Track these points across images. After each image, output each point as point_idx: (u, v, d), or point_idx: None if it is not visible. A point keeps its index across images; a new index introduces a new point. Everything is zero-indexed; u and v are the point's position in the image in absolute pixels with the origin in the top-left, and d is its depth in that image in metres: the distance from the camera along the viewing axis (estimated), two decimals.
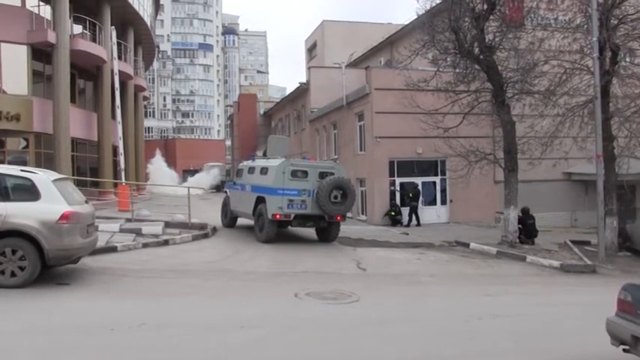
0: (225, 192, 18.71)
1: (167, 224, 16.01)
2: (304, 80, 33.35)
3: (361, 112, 23.99)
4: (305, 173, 14.72)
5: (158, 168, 43.74)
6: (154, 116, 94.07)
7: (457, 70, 16.32)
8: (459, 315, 7.90)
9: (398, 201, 22.62)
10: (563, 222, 23.02)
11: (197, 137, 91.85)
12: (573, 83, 15.09)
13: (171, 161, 51.89)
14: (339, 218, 14.95)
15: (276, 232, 14.69)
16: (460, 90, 16.55)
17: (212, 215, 19.08)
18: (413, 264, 12.86)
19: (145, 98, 39.45)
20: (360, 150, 24.12)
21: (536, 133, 15.97)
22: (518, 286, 10.80)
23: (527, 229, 16.30)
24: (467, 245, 15.87)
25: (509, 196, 15.64)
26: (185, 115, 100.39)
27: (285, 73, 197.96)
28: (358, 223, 21.86)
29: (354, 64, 35.88)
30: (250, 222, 16.34)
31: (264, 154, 18.32)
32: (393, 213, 22.18)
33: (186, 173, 51.21)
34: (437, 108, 17.05)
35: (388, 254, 14.15)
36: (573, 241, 16.01)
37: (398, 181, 22.79)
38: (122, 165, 24.72)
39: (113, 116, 26.43)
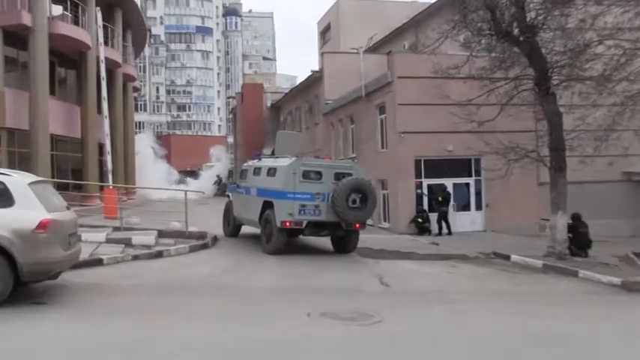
0: (228, 196, 18.88)
1: (161, 233, 16.16)
2: (317, 68, 33.91)
3: (382, 104, 24.11)
4: (319, 174, 14.90)
5: (147, 159, 43.69)
6: (145, 110, 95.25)
7: (493, 55, 16.29)
8: (499, 342, 7.72)
9: (425, 206, 22.72)
10: (622, 230, 22.65)
11: (195, 133, 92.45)
12: (634, 67, 14.79)
13: (165, 161, 52.20)
14: (358, 226, 15.13)
15: (286, 242, 14.88)
16: (497, 77, 16.51)
17: (213, 223, 19.38)
18: (444, 279, 12.90)
19: (136, 89, 39.75)
20: (382, 147, 24.27)
21: (588, 126, 15.77)
22: (570, 306, 10.56)
23: (579, 239, 15.94)
24: (507, 257, 15.90)
25: (556, 200, 15.45)
26: (181, 108, 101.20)
27: (296, 60, 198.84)
28: (380, 232, 21.96)
29: (373, 49, 35.99)
30: (256, 230, 16.61)
31: (272, 153, 18.56)
32: (420, 220, 22.30)
33: (183, 175, 51.64)
34: (470, 98, 17.04)
35: (415, 268, 14.26)
36: (637, 254, 15.49)
37: (425, 182, 22.97)
38: (109, 166, 25.03)
39: (99, 110, 26.62)
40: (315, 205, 14.61)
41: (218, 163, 55.31)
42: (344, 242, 15.64)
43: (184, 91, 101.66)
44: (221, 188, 48.23)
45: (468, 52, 16.65)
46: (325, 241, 16.85)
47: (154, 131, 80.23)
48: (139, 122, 79.92)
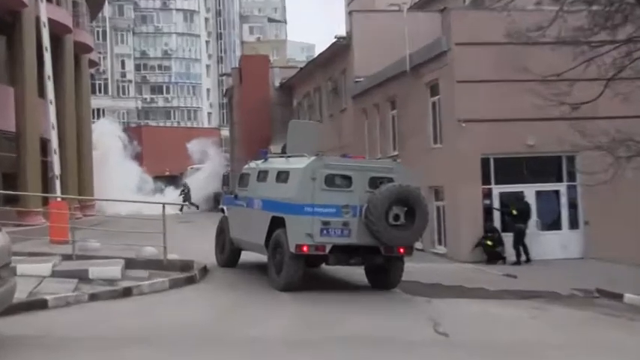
0: (222, 211, 19.03)
1: (129, 263, 16.27)
2: (343, 33, 33.97)
3: (435, 82, 24.20)
4: (347, 180, 14.96)
5: (110, 156, 44.40)
6: (107, 92, 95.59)
7: (594, 8, 16.14)
8: None
9: (497, 223, 22.54)
10: None
11: (176, 124, 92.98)
12: None
13: (136, 162, 53.03)
14: (402, 251, 15.22)
15: (303, 274, 14.97)
16: (600, 41, 16.34)
17: (201, 247, 19.76)
18: (526, 327, 12.76)
19: (93, 64, 40.24)
20: (435, 142, 24.41)
21: None
22: None
23: None
24: (618, 297, 15.69)
25: None
26: (156, 89, 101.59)
27: (314, 22, 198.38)
28: (433, 259, 22.07)
29: (421, 5, 36.17)
30: (262, 258, 16.70)
31: (283, 150, 18.71)
32: (489, 242, 22.28)
33: (161, 182, 52.53)
34: (559, 72, 16.92)
35: (484, 310, 14.20)
36: None
37: (496, 190, 22.92)
38: (56, 169, 24.47)
39: (41, 93, 26.52)
40: (343, 223, 14.70)
41: (207, 164, 55.47)
42: (383, 274, 15.75)
43: (160, 67, 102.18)
44: (187, 199, 49.49)
45: (556, 7, 16.59)
46: (357, 272, 16.90)
47: (119, 122, 79.44)
48: (99, 109, 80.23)
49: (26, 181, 25.45)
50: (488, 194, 22.94)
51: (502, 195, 22.98)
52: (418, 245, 17.57)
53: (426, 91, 24.87)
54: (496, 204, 22.92)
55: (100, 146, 42.44)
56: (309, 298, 14.47)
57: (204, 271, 16.99)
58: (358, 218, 14.77)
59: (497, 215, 22.81)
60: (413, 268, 17.08)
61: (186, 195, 50.82)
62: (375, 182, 15.02)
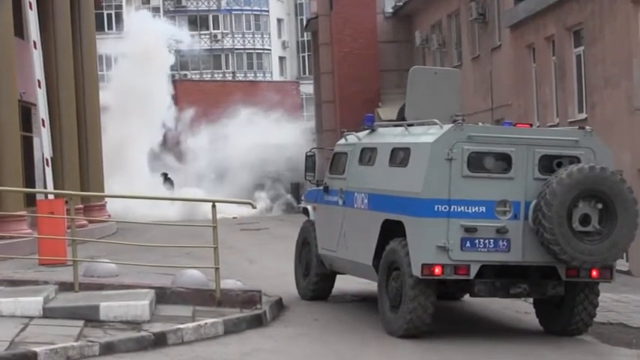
0: (305, 212, 17.30)
1: (162, 295, 14.22)
2: None
3: None
4: (505, 160, 12.85)
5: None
6: (120, 28, 71.81)
7: None
8: None
9: None
10: None
11: (229, 76, 78.03)
12: None
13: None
14: (595, 274, 12.78)
15: (434, 311, 12.81)
16: None
17: (274, 269, 18.90)
18: None
19: None
20: None
21: None
22: None
23: None
24: None
25: None
26: (198, 22, 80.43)
27: None
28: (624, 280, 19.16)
29: None
30: (368, 285, 15.12)
31: (400, 116, 16.44)
32: None
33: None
34: None
35: None
36: None
37: None
38: (46, 150, 21.77)
39: (19, 30, 23.60)
40: (498, 230, 12.40)
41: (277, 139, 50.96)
42: (564, 310, 13.16)
43: None
44: (168, 184, 46.71)
45: None
46: (520, 307, 14.80)
47: None
48: (107, 56, 62.26)
49: (1, 169, 22.35)
50: None
51: None
52: (621, 265, 15.03)
53: (632, 13, 20.83)
54: None
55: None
56: (444, 349, 12.16)
57: (279, 306, 14.63)
58: (522, 222, 12.45)
59: None
60: (610, 301, 14.71)
61: (168, 180, 47.97)
62: (549, 164, 12.61)
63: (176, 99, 54.06)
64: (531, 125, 18.63)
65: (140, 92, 45.30)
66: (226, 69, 75.64)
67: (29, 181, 24.40)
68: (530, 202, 12.33)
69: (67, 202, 18.79)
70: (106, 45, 45.61)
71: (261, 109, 52.77)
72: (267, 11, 77.74)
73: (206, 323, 12.57)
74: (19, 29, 23.63)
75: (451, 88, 15.56)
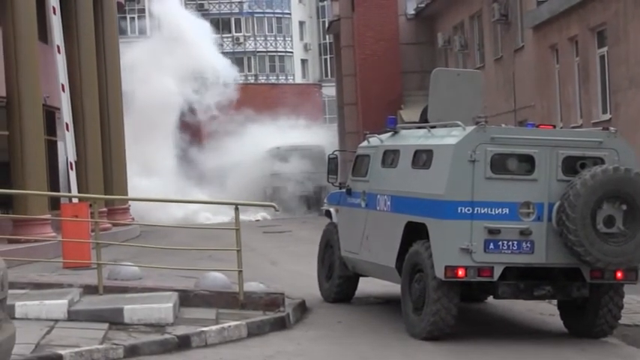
0: (328, 214, 17.30)
1: (186, 298, 14.50)
2: None
3: None
4: (528, 162, 13.05)
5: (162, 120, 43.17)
6: (143, 32, 72.51)
7: None
8: None
9: None
10: None
11: (251, 79, 78.28)
12: None
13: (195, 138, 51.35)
14: (620, 276, 12.95)
15: (457, 313, 13.01)
16: None
17: (297, 271, 19.12)
18: None
19: None
20: None
21: None
22: None
23: None
24: None
25: None
26: (221, 25, 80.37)
27: None
28: None
29: None
30: (391, 288, 15.11)
31: (422, 117, 16.79)
32: None
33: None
34: None
35: None
36: None
37: None
38: (71, 154, 21.75)
39: (43, 34, 23.77)
40: (522, 232, 12.61)
41: (305, 138, 50.99)
42: (588, 312, 13.23)
43: None
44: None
45: None
46: (544, 309, 14.87)
47: None
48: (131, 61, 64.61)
49: (24, 174, 22.19)
50: None
51: None
52: None
53: None
54: None
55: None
56: (467, 351, 12.32)
57: (302, 308, 14.89)
58: (546, 223, 12.66)
59: None
60: (635, 302, 14.54)
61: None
62: (573, 165, 12.80)
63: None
64: (555, 126, 19.39)
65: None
66: (249, 72, 75.94)
67: (53, 184, 24.73)
68: (554, 204, 12.50)
69: (90, 205, 19.08)
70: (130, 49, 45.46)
71: (283, 112, 52.81)
72: (289, 14, 78.72)
73: (229, 326, 12.81)
74: (43, 34, 23.89)
75: (474, 90, 15.74)
